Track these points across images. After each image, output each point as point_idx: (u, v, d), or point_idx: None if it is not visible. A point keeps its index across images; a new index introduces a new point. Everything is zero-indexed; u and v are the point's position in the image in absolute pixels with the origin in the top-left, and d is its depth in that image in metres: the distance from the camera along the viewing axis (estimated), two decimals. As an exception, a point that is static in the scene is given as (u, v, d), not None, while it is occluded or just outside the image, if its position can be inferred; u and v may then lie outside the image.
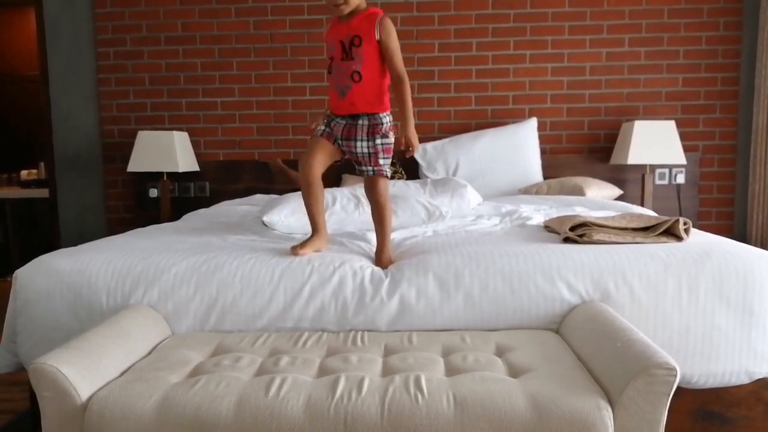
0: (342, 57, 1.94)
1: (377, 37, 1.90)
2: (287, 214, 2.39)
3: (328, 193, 2.52)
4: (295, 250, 1.92)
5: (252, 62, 3.88)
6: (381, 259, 1.97)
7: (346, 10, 1.92)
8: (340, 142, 2.02)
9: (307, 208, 2.04)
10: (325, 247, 2.02)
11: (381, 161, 1.99)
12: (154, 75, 3.93)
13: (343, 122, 2.00)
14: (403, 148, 1.96)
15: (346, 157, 2.07)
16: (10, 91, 5.92)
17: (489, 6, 3.77)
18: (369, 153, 1.98)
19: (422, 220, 2.52)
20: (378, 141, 1.98)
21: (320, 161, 2.01)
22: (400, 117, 1.96)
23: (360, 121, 1.97)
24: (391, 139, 2.01)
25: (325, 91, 3.82)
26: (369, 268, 1.88)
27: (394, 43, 1.93)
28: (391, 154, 2.03)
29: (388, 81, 1.99)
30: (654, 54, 3.75)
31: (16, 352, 1.93)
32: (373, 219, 2.06)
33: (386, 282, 1.81)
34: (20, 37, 5.84)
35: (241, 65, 3.89)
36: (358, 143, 1.98)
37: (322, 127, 2.05)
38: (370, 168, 2.00)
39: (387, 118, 1.99)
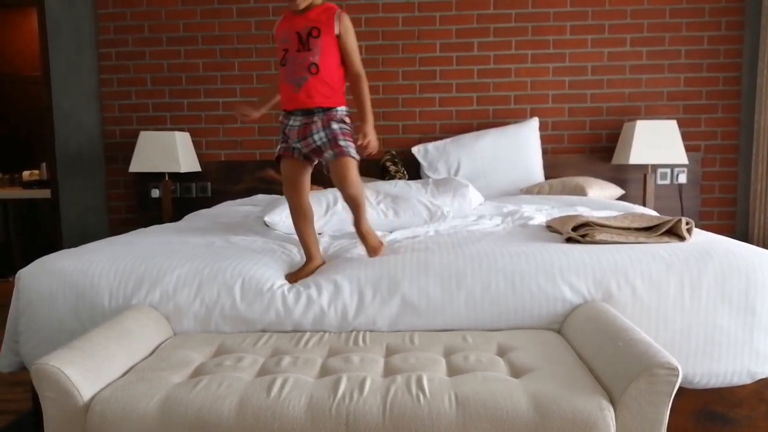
0: (298, 48, 1.89)
1: (336, 31, 1.88)
2: (288, 214, 2.38)
3: (330, 193, 2.52)
4: (290, 278, 1.90)
5: (254, 62, 3.89)
6: (367, 241, 1.99)
7: (302, 4, 1.88)
8: (299, 146, 1.95)
9: (298, 234, 2.02)
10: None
11: (341, 143, 1.90)
12: (156, 75, 3.93)
13: (298, 122, 1.94)
14: (360, 143, 1.93)
15: (315, 161, 2.01)
16: (12, 91, 5.93)
17: (491, 6, 3.77)
18: (327, 139, 1.91)
19: (424, 220, 2.53)
20: (334, 126, 1.92)
21: (300, 185, 1.98)
22: (359, 117, 1.96)
23: (315, 117, 1.92)
24: (349, 126, 1.96)
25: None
26: (369, 268, 1.88)
27: (353, 40, 1.92)
28: (352, 139, 1.94)
29: (344, 77, 1.97)
30: (656, 54, 3.75)
31: (18, 351, 1.93)
32: (350, 207, 2.00)
33: (387, 282, 1.81)
34: (22, 38, 5.85)
35: (243, 65, 3.89)
36: (315, 135, 1.91)
37: (282, 144, 1.99)
38: (330, 152, 1.90)
39: (343, 109, 1.96)
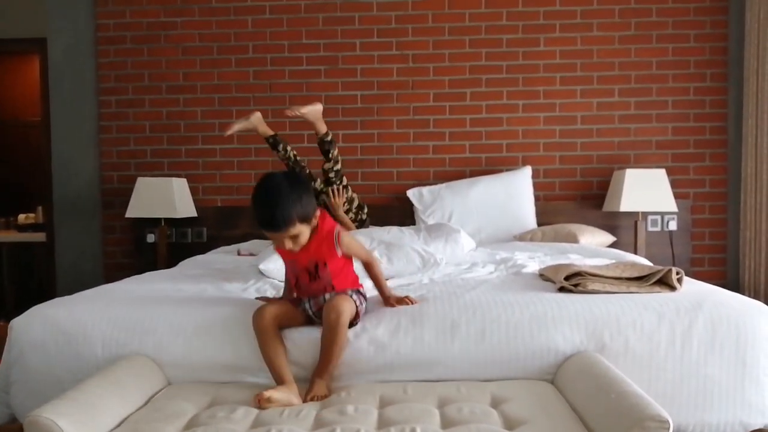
0: (311, 280, 1.85)
1: (339, 253, 1.83)
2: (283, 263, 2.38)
3: None
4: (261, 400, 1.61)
5: (251, 111, 3.95)
6: (313, 387, 1.70)
7: (298, 249, 1.77)
8: (308, 305, 1.88)
9: (267, 360, 1.77)
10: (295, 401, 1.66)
11: (349, 291, 1.86)
12: (155, 123, 4.00)
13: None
14: (395, 305, 1.93)
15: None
16: (11, 135, 5.99)
17: (482, 58, 3.88)
18: (333, 293, 1.85)
19: (417, 267, 2.54)
20: (347, 292, 1.86)
21: (275, 310, 1.80)
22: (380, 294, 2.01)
23: None
24: (360, 296, 1.89)
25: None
26: (363, 317, 1.89)
27: (356, 247, 1.90)
28: (359, 303, 1.86)
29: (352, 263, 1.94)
30: (643, 104, 3.85)
31: (8, 403, 1.92)
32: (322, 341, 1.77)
33: (382, 332, 1.82)
34: (23, 84, 5.94)
35: (241, 113, 3.94)
36: (326, 296, 1.85)
37: (294, 294, 1.94)
38: (332, 293, 1.84)
39: (357, 290, 1.91)
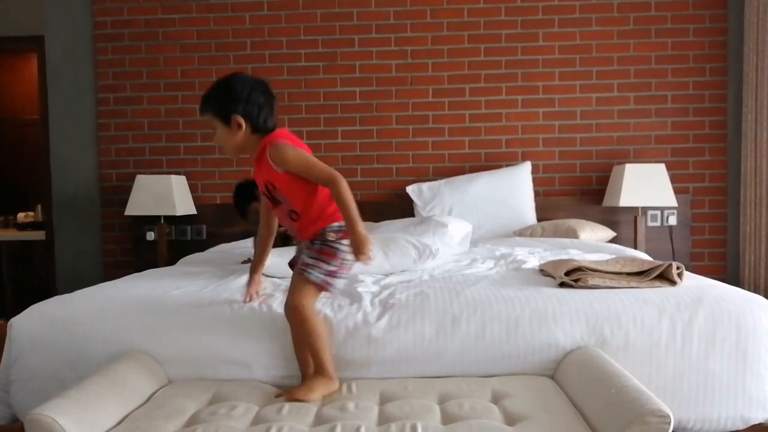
0: (273, 205, 1.80)
1: (278, 169, 1.70)
2: (275, 255, 2.36)
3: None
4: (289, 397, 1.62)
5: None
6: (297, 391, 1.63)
7: (231, 155, 1.79)
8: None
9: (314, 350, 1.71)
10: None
11: (309, 260, 1.71)
12: (154, 120, 3.99)
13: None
14: (352, 253, 1.70)
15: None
16: (9, 133, 5.98)
17: (481, 53, 3.87)
18: (304, 254, 1.76)
19: (413, 259, 2.51)
20: (315, 243, 1.74)
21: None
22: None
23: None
24: (334, 244, 1.72)
25: (320, 136, 3.93)
26: (365, 312, 1.89)
27: (296, 159, 1.69)
28: (334, 258, 1.72)
29: (325, 191, 1.74)
30: (643, 99, 3.85)
31: (9, 402, 1.91)
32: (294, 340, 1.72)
33: (383, 328, 1.81)
34: (21, 82, 5.92)
35: (239, 110, 3.96)
36: (303, 250, 1.80)
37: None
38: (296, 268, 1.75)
39: (331, 227, 1.74)
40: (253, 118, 1.74)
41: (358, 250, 1.66)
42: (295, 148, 1.71)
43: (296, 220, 1.76)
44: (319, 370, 1.69)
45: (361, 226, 1.67)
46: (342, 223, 1.73)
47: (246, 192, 2.85)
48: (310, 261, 1.72)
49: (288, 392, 1.65)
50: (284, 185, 1.72)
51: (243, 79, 1.77)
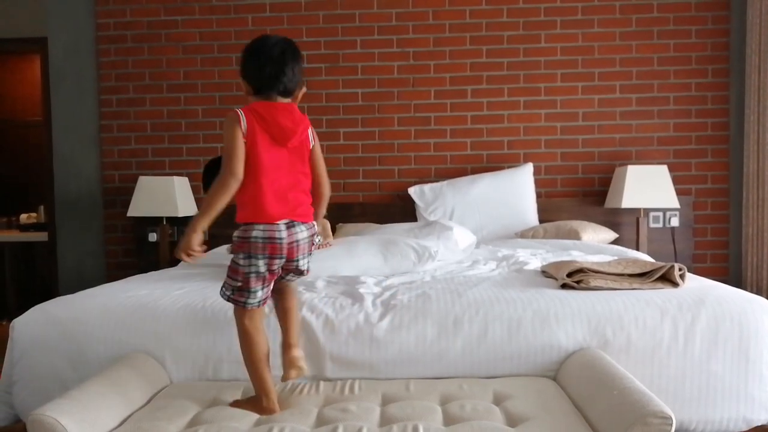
0: None
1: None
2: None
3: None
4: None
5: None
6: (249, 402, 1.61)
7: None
8: None
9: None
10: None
11: (225, 278, 1.65)
12: (156, 121, 4.00)
13: None
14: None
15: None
16: (12, 135, 5.99)
17: (483, 55, 3.87)
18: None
19: (412, 262, 2.52)
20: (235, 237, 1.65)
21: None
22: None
23: None
24: (236, 250, 1.63)
25: (322, 137, 3.91)
26: (366, 313, 1.89)
27: (225, 140, 1.62)
28: (237, 272, 1.61)
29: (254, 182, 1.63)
30: (645, 100, 3.84)
31: (11, 403, 1.92)
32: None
33: (385, 329, 1.82)
34: (24, 84, 5.94)
35: (241, 112, 3.96)
36: None
37: None
38: None
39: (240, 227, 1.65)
40: (249, 80, 1.70)
41: (182, 247, 1.60)
42: (231, 129, 1.60)
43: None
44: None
45: (202, 222, 1.61)
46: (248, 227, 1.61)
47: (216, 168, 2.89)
48: (225, 279, 1.65)
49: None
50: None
51: (252, 43, 1.71)
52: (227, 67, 3.95)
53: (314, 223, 1.71)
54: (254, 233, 1.59)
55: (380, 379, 1.78)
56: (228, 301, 1.64)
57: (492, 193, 3.64)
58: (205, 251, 1.67)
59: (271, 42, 1.69)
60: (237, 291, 1.61)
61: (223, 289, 1.64)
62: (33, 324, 1.91)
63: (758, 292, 3.53)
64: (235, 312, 1.64)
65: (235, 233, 1.63)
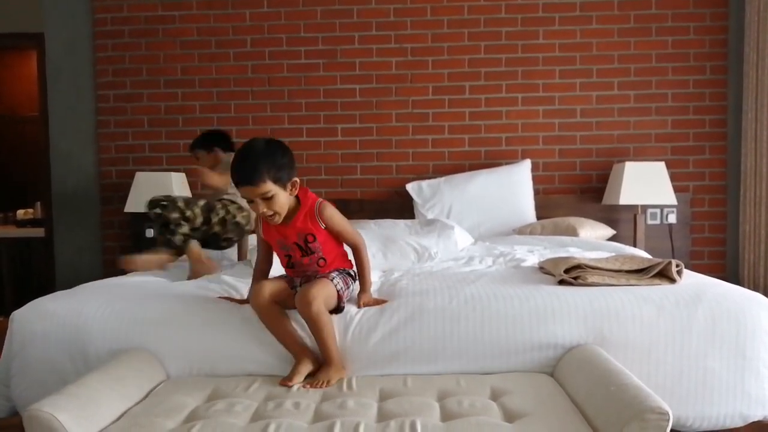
0: (302, 255, 1.89)
1: (323, 226, 1.87)
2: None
3: None
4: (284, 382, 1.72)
5: (250, 105, 3.95)
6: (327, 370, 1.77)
7: (280, 220, 1.83)
8: (299, 288, 1.88)
9: (276, 337, 1.82)
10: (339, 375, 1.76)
11: (332, 273, 1.89)
12: (153, 117, 3.99)
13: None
14: (364, 305, 1.91)
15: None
16: (8, 130, 5.97)
17: (481, 51, 3.86)
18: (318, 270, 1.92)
19: (412, 261, 2.54)
20: (334, 272, 1.91)
21: (270, 287, 1.82)
22: (361, 284, 2.00)
23: None
24: (351, 277, 1.97)
25: (320, 133, 3.92)
26: (364, 309, 1.89)
27: (338, 221, 1.90)
28: (348, 286, 1.93)
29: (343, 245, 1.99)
30: (643, 97, 3.84)
31: (9, 396, 1.92)
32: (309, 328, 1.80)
33: (382, 325, 1.82)
34: (20, 79, 5.92)
35: (239, 108, 3.96)
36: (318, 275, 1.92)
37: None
38: (317, 275, 1.89)
39: (350, 273, 1.98)
40: (291, 177, 1.83)
41: (376, 304, 1.92)
42: (335, 210, 1.92)
43: (322, 266, 1.91)
44: (330, 361, 1.76)
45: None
46: (353, 271, 2.00)
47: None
48: (334, 274, 1.89)
49: (308, 382, 1.71)
50: (323, 238, 1.89)
51: (279, 143, 1.85)
52: (225, 62, 3.94)
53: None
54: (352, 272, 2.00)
55: (378, 375, 1.77)
56: (336, 288, 1.86)
57: (490, 190, 3.64)
58: None
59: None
60: (342, 291, 1.89)
61: (336, 279, 1.88)
62: (32, 317, 1.90)
63: (755, 289, 3.54)
64: (321, 295, 1.77)
65: (335, 275, 1.91)
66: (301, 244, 1.88)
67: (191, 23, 3.95)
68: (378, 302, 1.93)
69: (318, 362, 1.79)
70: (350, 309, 1.89)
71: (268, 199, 1.77)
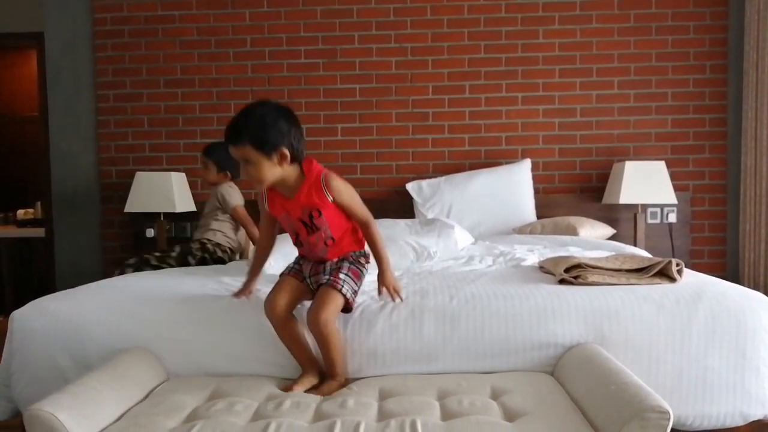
0: (308, 232, 1.83)
1: (330, 199, 1.79)
2: (277, 258, 2.36)
3: None
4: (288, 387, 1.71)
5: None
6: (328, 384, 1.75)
7: (262, 188, 1.78)
8: (309, 280, 1.88)
9: (288, 348, 1.80)
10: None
11: (341, 275, 1.80)
12: (153, 117, 3.99)
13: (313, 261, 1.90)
14: (381, 297, 1.88)
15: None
16: (8, 130, 5.98)
17: (481, 50, 3.86)
18: (332, 268, 1.84)
19: (411, 260, 2.54)
20: (344, 262, 1.85)
21: (285, 297, 1.79)
22: (376, 263, 1.92)
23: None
24: (363, 267, 1.89)
25: (320, 133, 3.92)
26: (363, 308, 1.89)
27: (347, 195, 1.82)
28: (359, 279, 1.86)
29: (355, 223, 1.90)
30: (643, 96, 3.84)
31: (10, 397, 1.92)
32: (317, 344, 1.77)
33: (382, 324, 1.82)
34: (20, 79, 5.92)
35: (239, 108, 3.92)
36: (327, 267, 1.85)
37: (291, 264, 1.94)
38: (326, 278, 1.80)
39: (358, 252, 1.91)
40: (294, 149, 1.75)
41: (396, 291, 1.86)
42: (347, 184, 1.85)
43: (330, 246, 1.84)
44: (335, 376, 1.75)
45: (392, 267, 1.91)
46: (366, 250, 1.92)
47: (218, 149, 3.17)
48: (342, 276, 1.81)
49: (317, 389, 1.71)
50: (330, 213, 1.81)
51: (280, 110, 1.75)
52: (225, 62, 3.94)
53: None
54: (366, 252, 1.93)
55: (378, 374, 1.78)
56: (346, 297, 1.78)
57: (490, 189, 3.64)
58: None
59: (287, 106, 1.79)
60: (355, 293, 1.83)
61: (342, 285, 1.78)
62: (32, 316, 1.90)
63: (755, 288, 3.54)
64: (331, 314, 1.73)
65: (360, 257, 1.90)
66: (306, 221, 1.80)
67: (191, 23, 3.95)
68: (397, 292, 1.86)
69: (322, 375, 1.77)
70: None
71: (249, 163, 1.72)
